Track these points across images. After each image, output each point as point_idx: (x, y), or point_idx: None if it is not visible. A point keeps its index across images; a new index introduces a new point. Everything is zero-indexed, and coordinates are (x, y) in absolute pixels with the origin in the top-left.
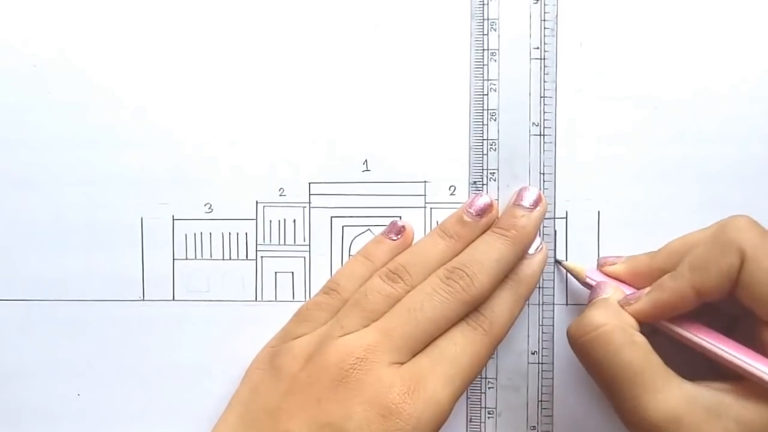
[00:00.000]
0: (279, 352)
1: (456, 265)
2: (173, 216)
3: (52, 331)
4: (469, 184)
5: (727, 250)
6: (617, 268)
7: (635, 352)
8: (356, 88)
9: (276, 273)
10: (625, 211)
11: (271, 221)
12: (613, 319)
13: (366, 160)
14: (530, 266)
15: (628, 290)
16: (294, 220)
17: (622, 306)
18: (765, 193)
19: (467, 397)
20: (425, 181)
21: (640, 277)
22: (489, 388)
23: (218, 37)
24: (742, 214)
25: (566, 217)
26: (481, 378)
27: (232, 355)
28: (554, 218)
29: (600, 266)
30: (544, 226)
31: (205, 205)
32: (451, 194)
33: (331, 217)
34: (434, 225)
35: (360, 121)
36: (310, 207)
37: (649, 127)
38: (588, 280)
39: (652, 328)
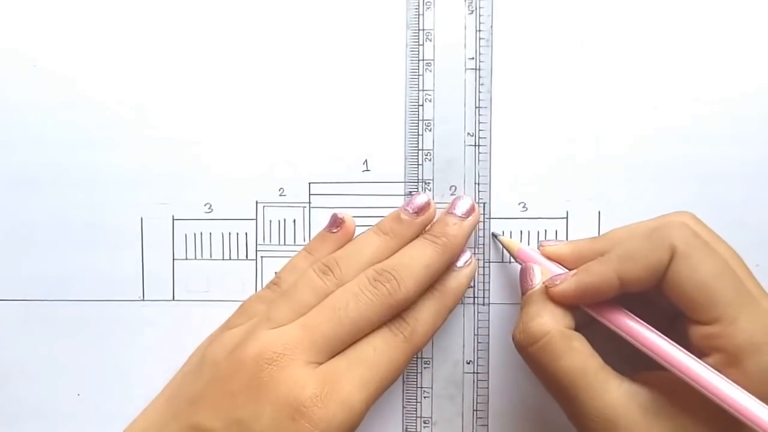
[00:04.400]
0: (212, 341)
1: (385, 268)
2: (173, 216)
3: (52, 331)
4: (404, 194)
5: (658, 245)
6: (560, 248)
7: (573, 358)
8: (356, 88)
9: (276, 273)
10: (625, 211)
11: (271, 221)
12: (553, 324)
13: (366, 160)
14: (457, 279)
15: (558, 270)
16: (294, 220)
17: (547, 287)
18: (765, 193)
19: (403, 407)
20: (425, 181)
21: (580, 260)
22: (424, 397)
23: (218, 38)
24: (686, 210)
25: (566, 217)
26: (417, 387)
27: None
28: (484, 228)
29: (540, 247)
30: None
31: (205, 205)
32: (452, 194)
33: None
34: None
35: (360, 121)
36: (310, 207)
37: (649, 127)
38: (519, 253)
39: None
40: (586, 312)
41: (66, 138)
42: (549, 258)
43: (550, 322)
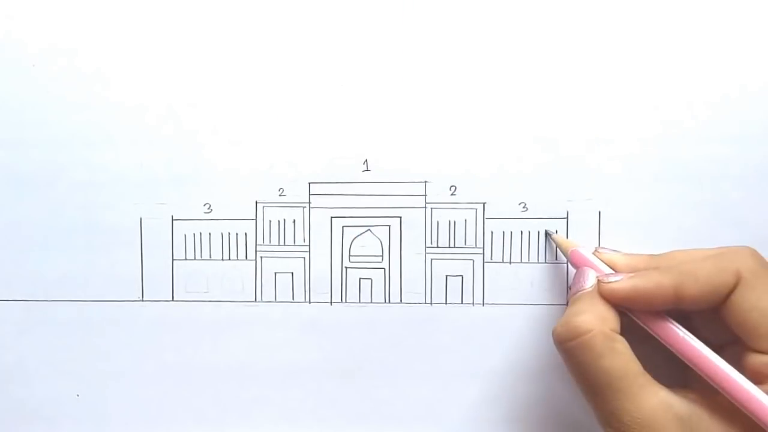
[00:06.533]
0: None
1: None
2: (172, 216)
3: (52, 331)
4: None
5: (725, 268)
6: (616, 257)
7: (615, 359)
8: (356, 88)
9: (276, 273)
10: (626, 211)
11: (270, 221)
12: (598, 324)
13: (366, 160)
14: None
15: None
16: (294, 220)
17: (599, 281)
18: (765, 193)
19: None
20: (425, 181)
21: (633, 271)
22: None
23: (218, 38)
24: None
25: (567, 217)
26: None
27: (231, 355)
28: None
29: (595, 251)
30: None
31: (205, 205)
32: (452, 194)
33: (331, 217)
34: (434, 225)
35: (360, 121)
36: (310, 207)
37: (649, 128)
38: (574, 252)
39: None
40: (630, 322)
41: (66, 138)
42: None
43: (595, 320)
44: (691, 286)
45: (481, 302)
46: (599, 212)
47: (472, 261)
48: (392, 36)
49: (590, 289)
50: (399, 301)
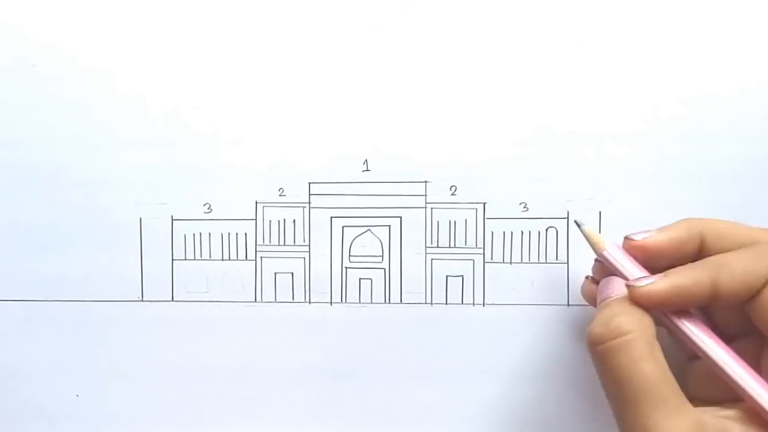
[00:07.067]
0: None
1: None
2: (172, 216)
3: (52, 331)
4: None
5: (760, 262)
6: (653, 237)
7: (655, 365)
8: (356, 88)
9: (276, 273)
10: (626, 211)
11: (270, 221)
12: (639, 327)
13: (366, 160)
14: None
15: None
16: (294, 220)
17: (629, 288)
18: (765, 193)
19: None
20: (425, 181)
21: (679, 250)
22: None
23: (218, 37)
24: None
25: (567, 217)
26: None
27: (231, 355)
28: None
29: (625, 245)
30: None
31: (205, 205)
32: (452, 194)
33: (331, 217)
34: (434, 225)
35: (360, 121)
36: (310, 207)
37: (649, 127)
38: (605, 254)
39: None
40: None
41: (66, 138)
42: (640, 253)
43: (636, 322)
44: (729, 281)
45: (481, 302)
46: (599, 212)
47: (472, 261)
48: (392, 36)
49: (620, 295)
50: (399, 301)
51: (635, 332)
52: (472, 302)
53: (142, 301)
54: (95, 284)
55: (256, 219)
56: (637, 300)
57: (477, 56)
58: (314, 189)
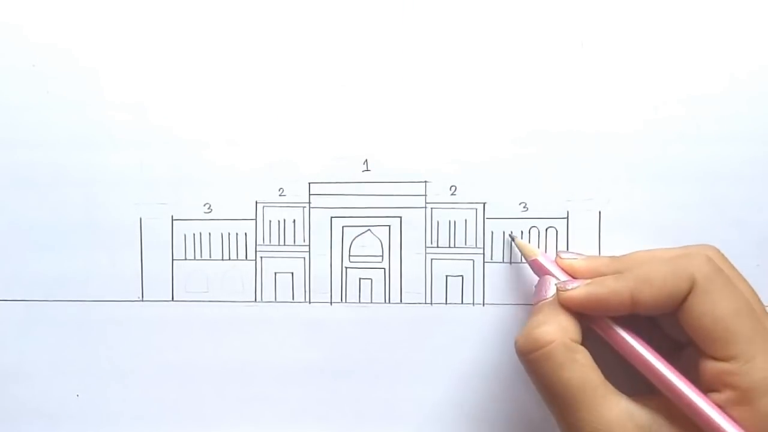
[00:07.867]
0: None
1: None
2: (172, 216)
3: (52, 331)
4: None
5: (678, 273)
6: (577, 262)
7: (575, 371)
8: (356, 88)
9: (276, 273)
10: (626, 211)
11: (270, 221)
12: (558, 335)
13: (366, 160)
14: None
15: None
16: (294, 220)
17: (558, 289)
18: (765, 193)
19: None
20: (425, 181)
21: (595, 276)
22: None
23: (218, 37)
24: (710, 244)
25: (567, 217)
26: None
27: (231, 355)
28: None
29: (557, 257)
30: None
31: (205, 205)
32: (452, 194)
33: (331, 217)
34: (434, 225)
35: (360, 121)
36: (309, 207)
37: (649, 127)
38: (534, 261)
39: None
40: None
41: (66, 138)
42: (564, 270)
43: (555, 331)
44: (647, 292)
45: (481, 302)
46: (599, 212)
47: (472, 261)
48: (392, 36)
49: (551, 298)
50: (399, 301)
51: (555, 341)
52: (472, 302)
53: (142, 301)
54: (95, 284)
55: (256, 219)
56: (561, 303)
57: (477, 56)
58: (314, 189)
